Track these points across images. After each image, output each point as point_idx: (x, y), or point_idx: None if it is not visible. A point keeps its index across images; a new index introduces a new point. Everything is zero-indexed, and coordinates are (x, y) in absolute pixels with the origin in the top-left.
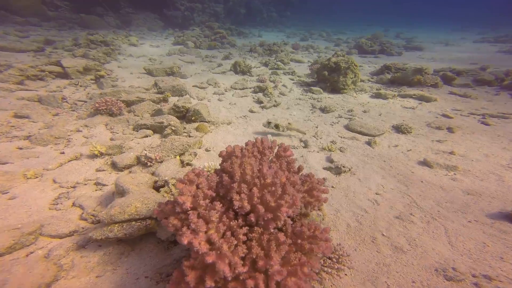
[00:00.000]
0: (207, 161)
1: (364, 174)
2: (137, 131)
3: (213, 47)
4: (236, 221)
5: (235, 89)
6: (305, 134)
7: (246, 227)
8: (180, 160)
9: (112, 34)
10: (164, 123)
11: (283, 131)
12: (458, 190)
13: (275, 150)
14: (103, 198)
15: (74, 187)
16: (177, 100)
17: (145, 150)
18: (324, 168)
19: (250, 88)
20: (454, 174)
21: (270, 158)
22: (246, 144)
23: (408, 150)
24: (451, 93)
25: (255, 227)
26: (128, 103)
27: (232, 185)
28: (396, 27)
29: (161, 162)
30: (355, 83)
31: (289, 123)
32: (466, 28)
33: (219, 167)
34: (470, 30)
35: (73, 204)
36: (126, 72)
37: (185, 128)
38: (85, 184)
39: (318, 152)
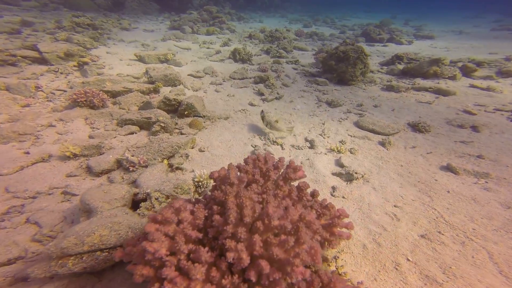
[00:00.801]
0: (200, 166)
1: (380, 181)
2: (122, 127)
3: (211, 33)
4: (230, 277)
5: (234, 79)
6: (291, 131)
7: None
8: (169, 164)
9: (102, 17)
10: (152, 118)
11: (267, 125)
12: (495, 203)
13: (282, 171)
14: (69, 212)
15: (33, 197)
16: (169, 91)
17: (128, 152)
18: (334, 174)
19: (250, 78)
20: (486, 182)
21: (276, 180)
22: (246, 162)
23: (428, 153)
24: (472, 86)
25: None
26: (114, 94)
27: (225, 227)
28: (405, 13)
29: (146, 166)
30: (364, 74)
31: (276, 121)
32: (481, 15)
33: (212, 181)
34: (484, 17)
35: (27, 221)
36: (115, 58)
37: (176, 124)
38: (49, 194)
39: (326, 154)
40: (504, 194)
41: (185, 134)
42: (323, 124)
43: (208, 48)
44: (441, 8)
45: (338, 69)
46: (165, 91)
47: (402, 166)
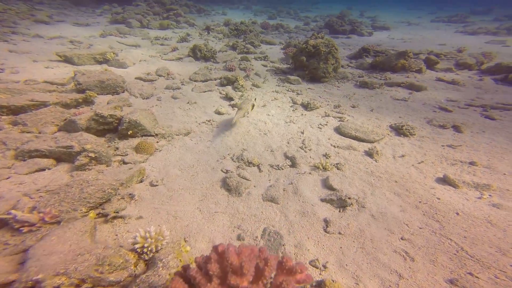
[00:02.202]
0: (151, 209)
1: (377, 206)
2: (24, 161)
3: (165, 27)
4: None
5: (196, 81)
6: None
7: None
8: (100, 214)
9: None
10: (74, 147)
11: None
12: None
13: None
14: None
15: None
16: (107, 103)
17: (28, 201)
18: (323, 200)
19: (215, 80)
20: (490, 196)
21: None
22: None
23: (419, 163)
24: (438, 80)
25: None
26: (14, 110)
27: None
28: (358, 4)
29: (59, 222)
30: (336, 69)
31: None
32: (419, 7)
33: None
34: (422, 9)
35: None
36: (24, 59)
37: (117, 149)
38: None
39: (310, 173)
40: None
41: (130, 163)
42: (302, 133)
43: (162, 44)
44: (385, 1)
45: (310, 65)
46: (102, 101)
47: (396, 182)
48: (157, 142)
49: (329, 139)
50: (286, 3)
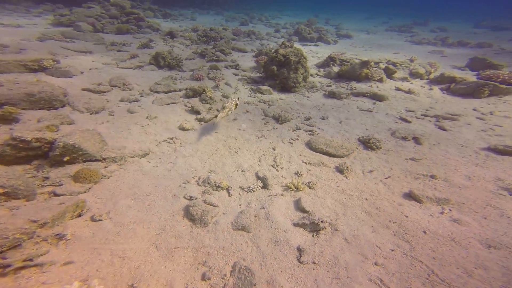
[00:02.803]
0: (88, 252)
1: (349, 227)
2: None
3: (124, 31)
4: None
5: (157, 92)
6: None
7: None
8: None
9: None
10: None
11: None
12: (475, 243)
13: None
14: None
15: None
16: (37, 121)
17: None
18: (296, 225)
19: (180, 91)
20: (450, 210)
21: None
22: None
23: (386, 178)
24: (397, 89)
25: None
26: None
27: None
28: (323, 12)
29: None
30: (306, 79)
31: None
32: (374, 16)
33: None
34: (376, 18)
35: None
36: None
37: (46, 179)
38: None
39: (282, 194)
40: (475, 227)
41: (64, 194)
42: (274, 149)
43: (119, 50)
44: (346, 10)
45: (280, 75)
46: (32, 118)
47: (367, 200)
48: (105, 167)
49: (300, 155)
50: (258, 9)
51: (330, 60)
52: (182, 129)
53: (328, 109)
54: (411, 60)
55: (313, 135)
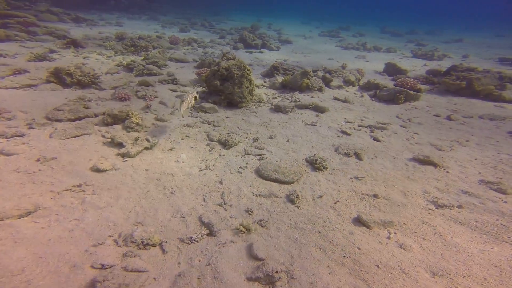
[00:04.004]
0: None
1: (306, 272)
2: None
3: (3, 38)
4: None
5: (58, 120)
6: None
7: None
8: None
9: None
10: None
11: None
12: (422, 272)
13: None
14: None
15: None
16: None
17: None
18: (250, 279)
19: (95, 117)
20: (395, 233)
21: None
22: None
23: (335, 202)
24: (335, 99)
25: None
26: None
27: None
28: (266, 16)
29: None
30: (252, 92)
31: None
32: (308, 22)
33: None
34: (310, 23)
35: None
36: None
37: None
38: None
39: (232, 241)
40: (418, 252)
41: None
42: (221, 183)
43: None
44: (285, 14)
45: (225, 90)
46: None
47: (320, 233)
48: None
49: (250, 186)
50: (202, 14)
51: (274, 70)
52: (97, 170)
53: (275, 125)
54: (343, 67)
55: (262, 159)
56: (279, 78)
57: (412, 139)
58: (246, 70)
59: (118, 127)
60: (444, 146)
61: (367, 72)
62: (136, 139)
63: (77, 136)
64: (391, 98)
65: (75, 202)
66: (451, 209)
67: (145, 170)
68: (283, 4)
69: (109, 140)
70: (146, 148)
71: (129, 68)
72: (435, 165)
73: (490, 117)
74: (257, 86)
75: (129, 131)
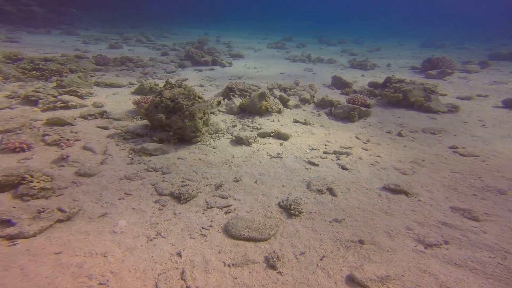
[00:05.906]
0: None
1: None
2: None
3: None
4: None
5: None
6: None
7: None
8: None
9: None
10: None
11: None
12: None
13: None
14: None
15: None
16: None
17: None
18: None
19: None
20: None
21: None
22: None
23: (321, 259)
24: (295, 122)
25: None
26: None
27: None
28: (213, 29)
29: None
30: (207, 122)
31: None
32: (255, 33)
33: None
34: (257, 34)
35: None
36: None
37: None
38: None
39: None
40: None
41: None
42: (179, 255)
43: None
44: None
45: (173, 124)
46: None
47: None
48: None
49: (219, 252)
50: (138, 27)
51: (230, 91)
52: None
53: (239, 162)
54: (296, 84)
55: (230, 212)
56: (236, 101)
57: (377, 163)
58: (197, 98)
59: (4, 197)
60: (407, 169)
61: (317, 86)
62: (40, 211)
63: None
64: (346, 116)
65: None
66: (440, 247)
67: (55, 254)
68: (229, 13)
69: None
70: (60, 221)
71: (30, 100)
72: (406, 193)
73: (430, 131)
74: (212, 113)
75: (25, 200)
